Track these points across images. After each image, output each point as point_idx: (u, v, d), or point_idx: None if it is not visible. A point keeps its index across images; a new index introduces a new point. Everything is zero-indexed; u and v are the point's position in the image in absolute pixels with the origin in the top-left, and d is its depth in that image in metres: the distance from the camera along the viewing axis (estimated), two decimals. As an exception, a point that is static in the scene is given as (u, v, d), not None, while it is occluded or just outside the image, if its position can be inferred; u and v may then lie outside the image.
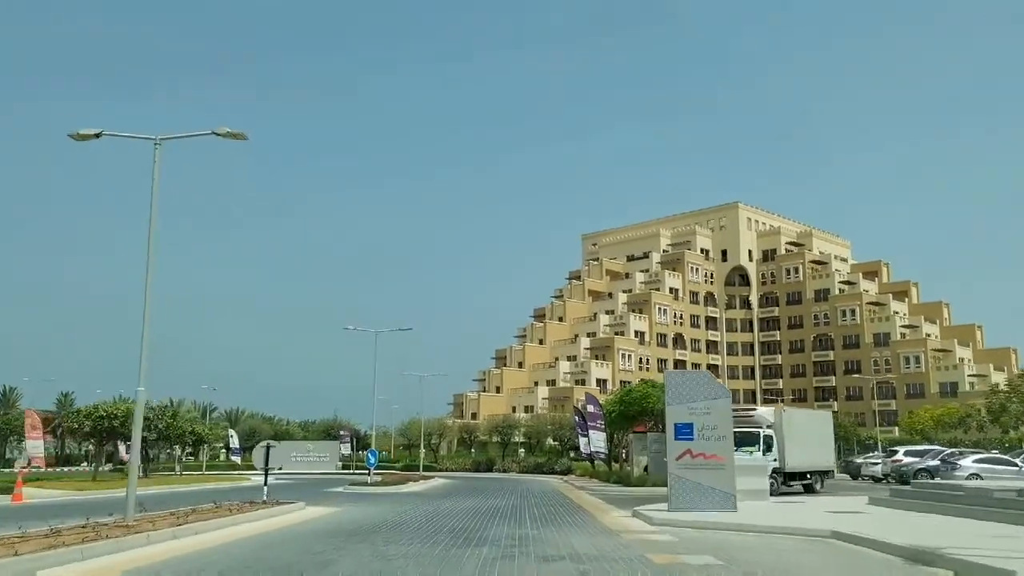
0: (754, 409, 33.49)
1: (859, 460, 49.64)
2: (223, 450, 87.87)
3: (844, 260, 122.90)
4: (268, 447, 20.92)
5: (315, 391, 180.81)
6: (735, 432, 31.79)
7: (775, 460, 28.96)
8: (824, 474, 32.03)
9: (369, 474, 37.96)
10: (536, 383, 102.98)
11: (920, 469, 37.42)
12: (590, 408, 37.59)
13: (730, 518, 16.36)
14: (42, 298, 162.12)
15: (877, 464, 43.49)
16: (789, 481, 30.02)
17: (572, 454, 69.89)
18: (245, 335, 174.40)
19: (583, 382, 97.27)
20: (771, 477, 27.64)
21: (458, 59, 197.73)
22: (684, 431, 18.38)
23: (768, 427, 30.13)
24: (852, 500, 23.69)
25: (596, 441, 37.11)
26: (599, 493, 31.06)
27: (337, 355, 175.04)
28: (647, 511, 18.27)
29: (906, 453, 40.52)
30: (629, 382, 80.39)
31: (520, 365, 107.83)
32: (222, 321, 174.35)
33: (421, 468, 61.03)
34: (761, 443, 29.10)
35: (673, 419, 18.56)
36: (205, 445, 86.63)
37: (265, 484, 21.18)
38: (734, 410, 34.39)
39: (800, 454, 30.24)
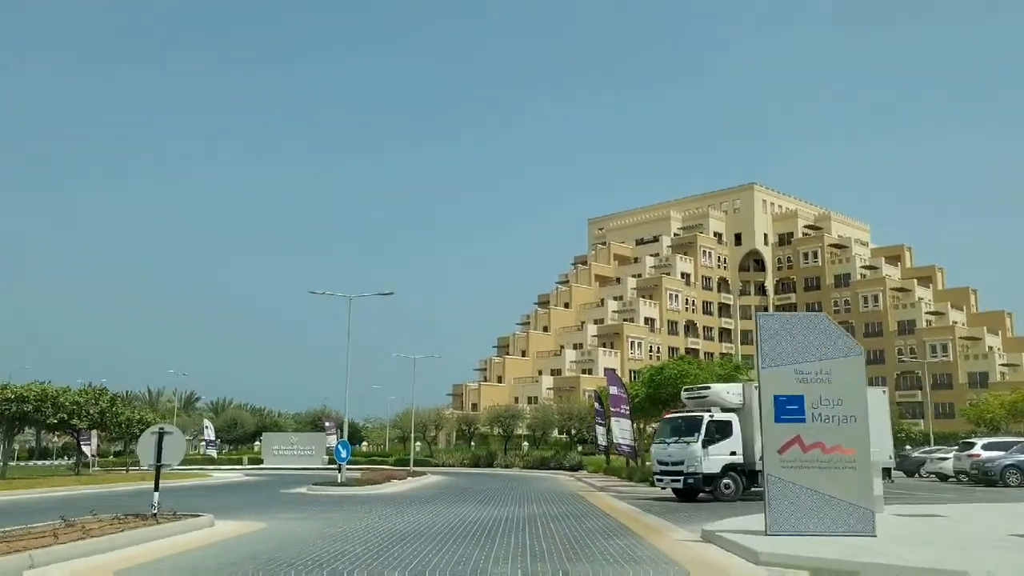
0: (708, 387, 25.29)
1: (918, 454, 43.28)
2: (203, 443, 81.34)
3: (864, 244, 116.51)
4: (161, 434, 14.14)
5: (313, 383, 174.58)
6: (678, 419, 24.44)
7: (732, 453, 22.93)
8: None
9: (339, 471, 31.22)
10: (540, 372, 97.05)
11: (1009, 466, 31.28)
12: (612, 390, 30.63)
13: (885, 551, 9.65)
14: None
15: (946, 459, 37.14)
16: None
17: (581, 447, 63.77)
18: (242, 327, 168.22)
19: (590, 371, 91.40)
20: (727, 476, 22.73)
21: (464, 33, 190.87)
22: (790, 408, 11.62)
23: (727, 409, 23.63)
24: (1003, 510, 16.89)
25: (619, 431, 30.10)
26: (628, 496, 24.32)
27: (335, 346, 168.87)
28: (731, 533, 11.56)
29: (985, 446, 34.39)
30: (638, 372, 74.03)
31: (523, 354, 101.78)
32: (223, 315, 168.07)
33: (412, 463, 54.31)
34: (702, 430, 22.95)
35: (772, 388, 11.78)
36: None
37: (156, 489, 14.41)
38: (685, 390, 26.56)
39: None
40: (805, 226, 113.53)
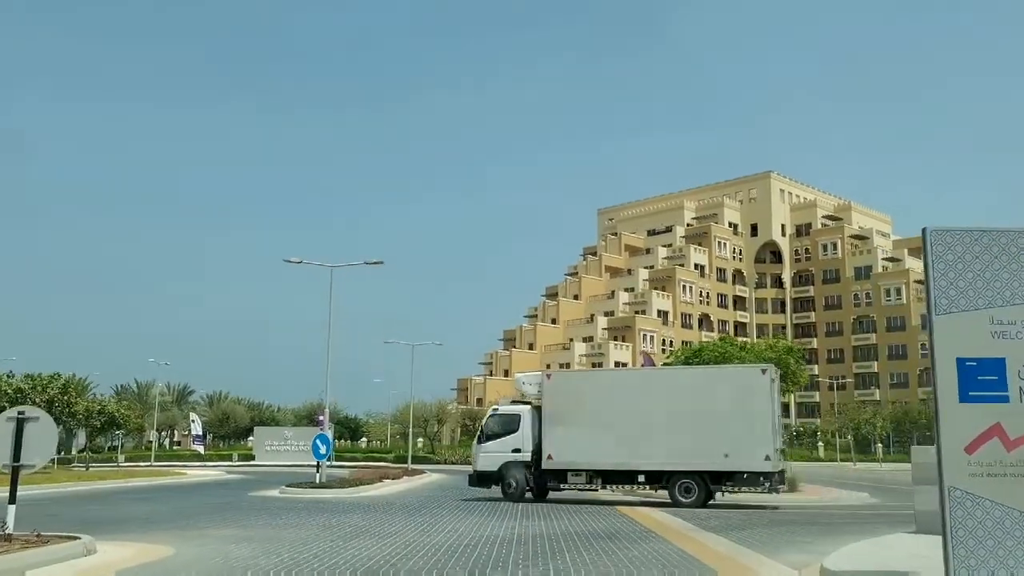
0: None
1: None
2: (191, 438, 77.34)
3: (886, 236, 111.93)
4: (20, 421, 9.80)
5: (315, 379, 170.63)
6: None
7: (515, 450, 21.49)
8: (715, 480, 19.90)
9: (318, 470, 26.98)
10: (548, 366, 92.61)
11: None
12: (643, 375, 26.33)
13: None
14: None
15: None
16: (581, 484, 20.81)
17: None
18: (243, 321, 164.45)
19: (600, 365, 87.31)
20: (508, 475, 21.36)
21: (467, 23, 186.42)
22: (984, 379, 7.16)
23: (527, 401, 22.00)
24: None
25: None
26: (664, 503, 19.87)
27: (336, 340, 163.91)
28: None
29: None
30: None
31: (531, 347, 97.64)
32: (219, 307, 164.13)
33: (410, 460, 50.01)
34: (481, 427, 22.55)
35: (952, 348, 7.29)
36: (158, 431, 76.41)
37: (11, 500, 10.01)
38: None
39: (591, 443, 20.41)
40: (824, 216, 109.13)
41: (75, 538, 10.15)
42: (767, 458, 19.01)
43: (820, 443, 71.07)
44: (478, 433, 22.16)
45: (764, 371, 19.82)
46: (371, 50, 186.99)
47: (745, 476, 19.24)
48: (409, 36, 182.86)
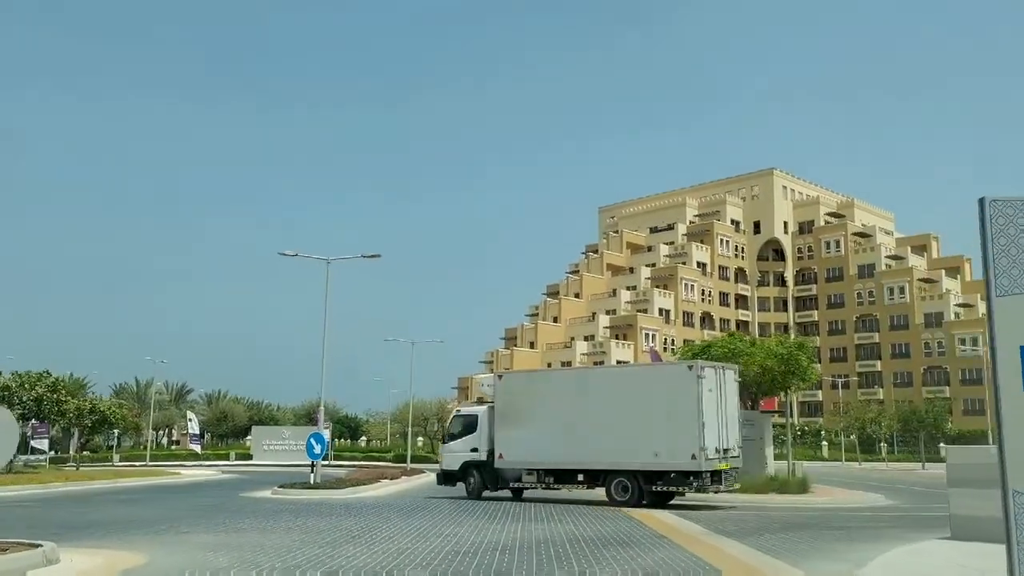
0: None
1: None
2: (188, 437, 76.48)
3: (888, 233, 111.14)
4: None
5: (316, 379, 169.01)
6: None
7: (473, 450, 22.13)
8: (648, 479, 19.29)
9: (312, 470, 26.22)
10: (550, 365, 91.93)
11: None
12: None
13: None
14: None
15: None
16: (533, 483, 21.08)
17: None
18: (245, 320, 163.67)
19: (602, 363, 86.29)
20: (468, 474, 22.05)
21: (467, 23, 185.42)
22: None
23: (484, 403, 22.68)
24: None
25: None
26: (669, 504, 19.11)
27: (338, 340, 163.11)
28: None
29: None
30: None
31: (532, 345, 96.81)
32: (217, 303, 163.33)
33: (409, 460, 49.18)
34: (447, 427, 24.09)
35: (1014, 335, 6.39)
36: (155, 430, 75.61)
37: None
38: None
39: (535, 442, 20.71)
40: (827, 214, 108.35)
41: (36, 545, 9.30)
42: (693, 457, 18.52)
43: (824, 442, 70.40)
44: (444, 433, 23.16)
45: (691, 368, 19.24)
46: (371, 50, 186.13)
47: (673, 475, 18.92)
48: (409, 36, 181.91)
